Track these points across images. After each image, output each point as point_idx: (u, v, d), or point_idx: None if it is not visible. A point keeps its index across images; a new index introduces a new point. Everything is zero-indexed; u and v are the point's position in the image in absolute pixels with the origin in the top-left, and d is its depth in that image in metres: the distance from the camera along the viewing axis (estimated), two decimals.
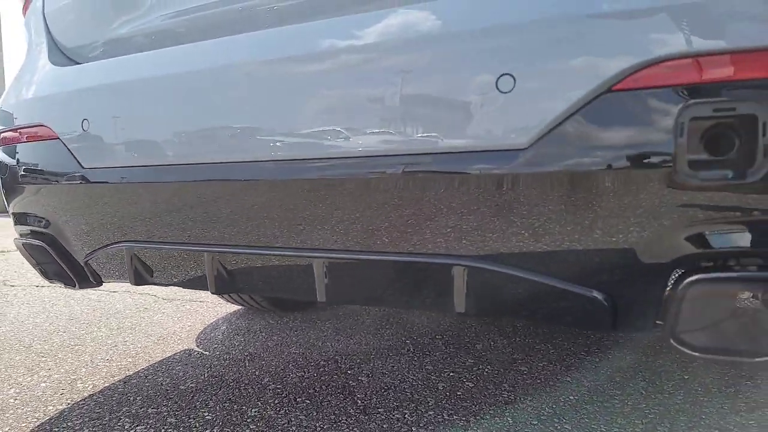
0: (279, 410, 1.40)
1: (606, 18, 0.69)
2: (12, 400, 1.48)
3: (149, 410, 1.41)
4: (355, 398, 1.47)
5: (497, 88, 0.72)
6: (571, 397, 1.46)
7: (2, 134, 1.24)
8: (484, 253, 0.79)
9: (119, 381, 1.61)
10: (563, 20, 0.70)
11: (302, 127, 0.86)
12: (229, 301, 2.32)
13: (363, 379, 1.61)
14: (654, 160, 0.66)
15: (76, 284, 1.23)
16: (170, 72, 1.00)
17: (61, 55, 1.21)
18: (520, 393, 1.49)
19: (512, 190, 0.73)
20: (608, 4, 0.69)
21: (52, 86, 1.17)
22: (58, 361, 1.79)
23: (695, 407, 1.39)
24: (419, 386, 1.55)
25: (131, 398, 1.48)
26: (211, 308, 2.47)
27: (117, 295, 2.76)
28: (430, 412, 1.38)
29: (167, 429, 1.30)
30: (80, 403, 1.46)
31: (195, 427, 1.31)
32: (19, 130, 1.19)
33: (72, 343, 1.97)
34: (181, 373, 1.67)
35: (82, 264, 1.20)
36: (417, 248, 0.82)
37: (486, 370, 1.67)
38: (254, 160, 0.90)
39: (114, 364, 1.75)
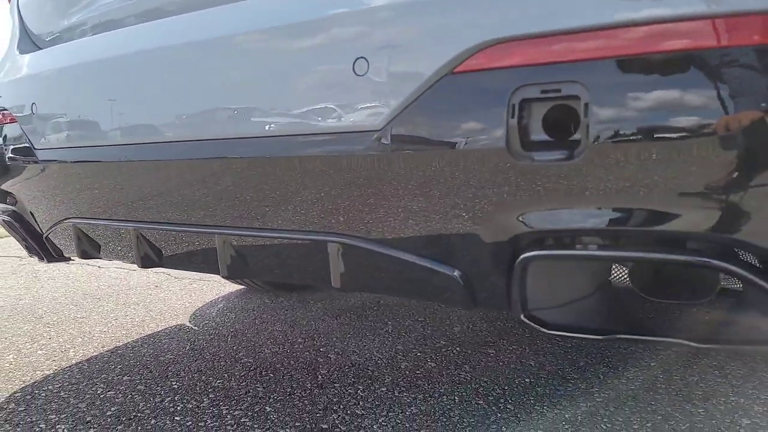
0: (241, 382, 1.49)
1: (445, 2, 0.71)
2: (7, 365, 1.62)
3: (124, 378, 1.52)
4: (318, 374, 1.54)
5: (354, 72, 0.76)
6: (527, 380, 1.48)
7: None
8: (353, 230, 0.82)
9: (107, 351, 1.74)
10: (407, 5, 0.73)
11: (192, 109, 0.93)
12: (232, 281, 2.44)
13: (331, 356, 1.67)
14: (490, 140, 0.68)
15: (44, 258, 1.34)
16: (99, 57, 1.08)
17: (30, 42, 1.31)
18: (477, 374, 1.52)
19: (371, 169, 0.77)
20: None
21: (15, 72, 1.27)
22: (60, 331, 1.94)
23: (649, 394, 1.38)
24: (383, 365, 1.60)
25: (112, 366, 1.60)
26: (215, 287, 2.59)
27: (135, 273, 2.92)
28: (383, 389, 1.43)
29: (134, 395, 1.41)
30: (66, 369, 1.59)
31: (159, 394, 1.41)
32: None
33: (78, 316, 2.12)
34: (165, 346, 1.78)
35: (44, 240, 1.31)
36: (301, 226, 0.87)
37: (454, 351, 1.70)
38: (165, 140, 0.97)
39: (108, 336, 1.88)
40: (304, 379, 1.50)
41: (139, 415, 1.29)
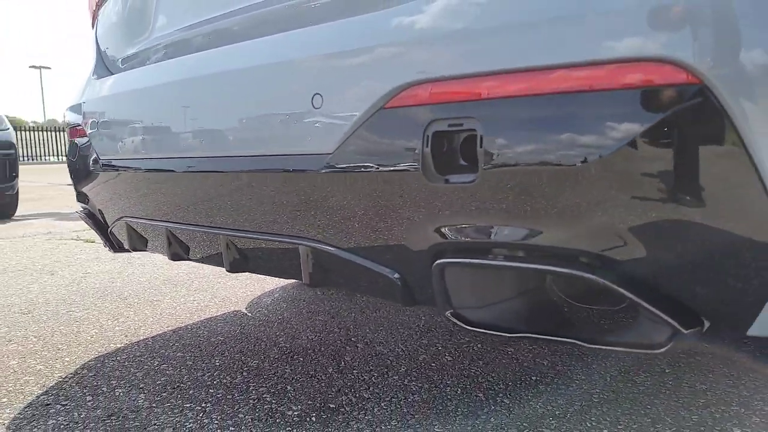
0: (273, 363, 1.68)
1: (376, 50, 0.83)
2: (89, 338, 1.93)
3: (178, 354, 1.76)
4: (342, 360, 1.70)
5: (312, 105, 0.90)
6: (533, 378, 1.55)
7: (69, 129, 1.65)
8: (317, 236, 0.97)
9: (170, 330, 2.00)
10: (351, 52, 0.86)
11: (202, 130, 1.12)
12: None
13: (360, 346, 1.83)
14: (410, 165, 0.79)
15: (112, 249, 1.60)
16: (144, 85, 1.30)
17: (105, 68, 1.57)
18: (488, 370, 1.61)
19: (328, 185, 0.91)
20: (375, 40, 0.83)
21: (91, 94, 1.54)
22: (137, 311, 2.24)
23: (649, 398, 1.41)
24: (403, 356, 1.73)
25: (171, 344, 1.86)
26: (276, 279, 2.83)
27: None
28: (395, 377, 1.57)
29: (182, 369, 1.64)
30: (135, 344, 1.86)
31: (202, 369, 1.64)
32: (73, 128, 1.58)
33: (155, 299, 2.43)
34: (219, 329, 2.02)
35: (108, 234, 1.57)
36: (281, 230, 1.03)
37: (475, 348, 1.80)
38: (184, 156, 1.18)
39: (175, 318, 2.16)
40: (329, 364, 1.67)
41: (181, 385, 1.52)
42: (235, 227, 1.12)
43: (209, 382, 1.54)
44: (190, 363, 1.69)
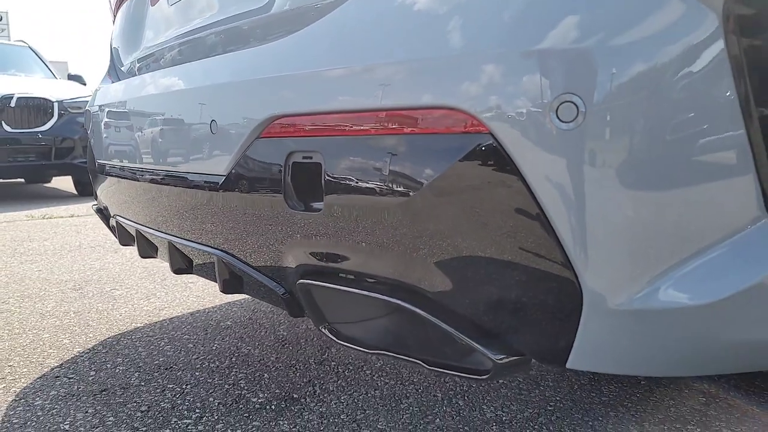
0: (263, 351, 1.81)
1: (253, 84, 0.90)
2: (119, 315, 2.16)
3: (184, 336, 1.94)
4: (326, 353, 1.80)
5: (211, 131, 0.99)
6: (500, 382, 1.57)
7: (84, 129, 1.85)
8: (223, 246, 1.06)
9: (188, 313, 2.20)
10: (235, 84, 0.93)
11: (143, 143, 1.27)
12: None
13: None
14: (278, 192, 0.86)
15: (121, 242, 1.79)
16: (119, 98, 1.45)
17: (115, 74, 1.74)
18: None
19: (226, 203, 0.99)
20: (255, 73, 0.90)
21: (99, 99, 1.71)
22: (167, 292, 2.47)
23: (576, 405, 1.40)
24: None
25: (182, 327, 2.04)
26: None
27: None
28: (368, 372, 1.65)
29: (181, 351, 1.81)
30: (151, 324, 2.07)
31: (197, 353, 1.80)
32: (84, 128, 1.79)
33: (191, 281, 2.66)
34: (231, 314, 2.18)
35: (110, 228, 1.76)
36: (203, 239, 1.14)
37: None
38: (140, 166, 1.32)
39: (196, 302, 2.35)
40: (312, 355, 1.77)
41: (173, 366, 1.69)
42: (175, 233, 1.24)
43: (198, 365, 1.70)
44: (191, 346, 1.86)
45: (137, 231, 1.47)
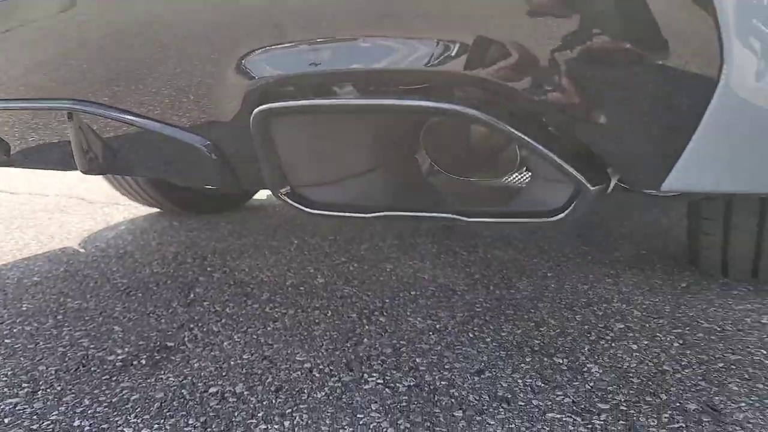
0: (100, 303, 1.36)
1: None
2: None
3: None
4: (192, 293, 1.42)
5: None
6: (413, 293, 1.39)
7: None
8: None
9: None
10: None
11: None
12: (144, 203, 2.28)
13: (216, 275, 1.55)
14: None
15: None
16: None
17: None
18: (363, 289, 1.42)
19: None
20: None
21: None
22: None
23: (532, 302, 1.30)
24: (267, 282, 1.49)
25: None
26: (128, 212, 2.42)
27: (44, 198, 2.73)
28: (255, 305, 1.32)
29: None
30: None
31: (3, 315, 1.28)
32: None
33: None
34: (37, 269, 1.63)
35: None
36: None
37: (350, 267, 1.60)
38: None
39: None
40: (173, 298, 1.38)
41: None
42: None
43: (7, 332, 1.20)
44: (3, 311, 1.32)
45: None
